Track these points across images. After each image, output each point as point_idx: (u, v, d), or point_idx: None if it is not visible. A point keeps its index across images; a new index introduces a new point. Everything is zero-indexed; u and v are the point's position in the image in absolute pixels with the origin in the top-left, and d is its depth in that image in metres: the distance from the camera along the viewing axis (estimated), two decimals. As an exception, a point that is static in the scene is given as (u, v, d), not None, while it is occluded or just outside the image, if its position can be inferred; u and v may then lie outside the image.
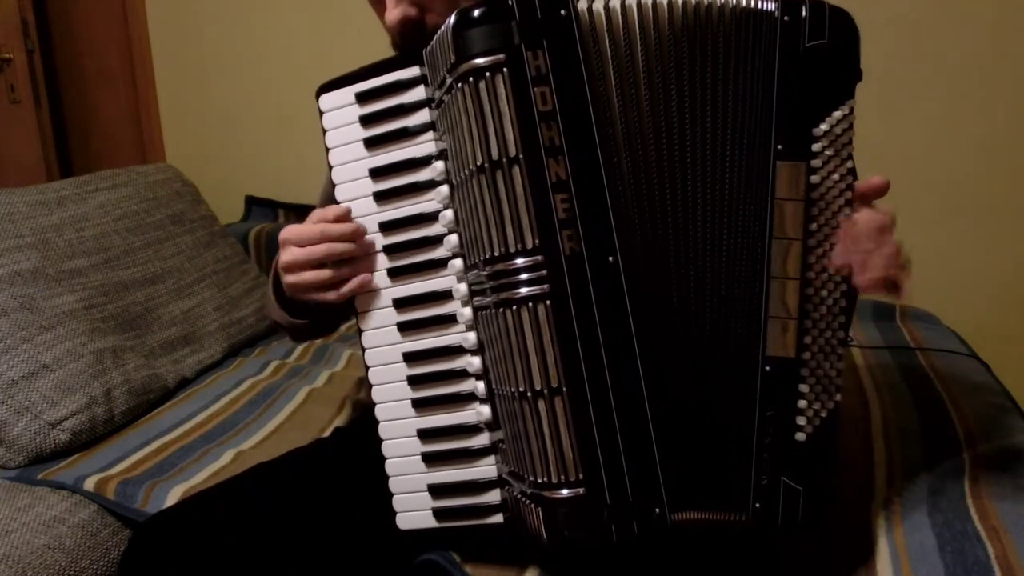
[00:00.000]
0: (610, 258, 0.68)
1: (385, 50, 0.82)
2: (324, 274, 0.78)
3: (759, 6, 0.69)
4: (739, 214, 0.70)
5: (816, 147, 0.68)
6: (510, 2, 0.66)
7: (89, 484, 1.07)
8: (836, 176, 0.69)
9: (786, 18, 0.68)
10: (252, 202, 2.12)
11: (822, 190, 0.69)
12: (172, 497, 1.03)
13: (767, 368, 0.70)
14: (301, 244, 0.79)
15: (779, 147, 0.69)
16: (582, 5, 0.68)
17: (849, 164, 0.69)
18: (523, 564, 0.80)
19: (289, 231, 0.80)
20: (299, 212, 2.05)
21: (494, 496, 0.76)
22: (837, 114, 0.68)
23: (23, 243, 1.30)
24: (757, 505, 0.71)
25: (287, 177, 2.10)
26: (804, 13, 0.68)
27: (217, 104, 2.18)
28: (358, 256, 0.78)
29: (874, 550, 0.78)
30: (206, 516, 0.80)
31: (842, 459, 0.99)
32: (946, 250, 1.70)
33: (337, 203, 0.79)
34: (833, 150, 0.68)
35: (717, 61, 0.69)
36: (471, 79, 0.67)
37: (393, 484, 0.79)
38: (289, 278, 0.81)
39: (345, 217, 0.78)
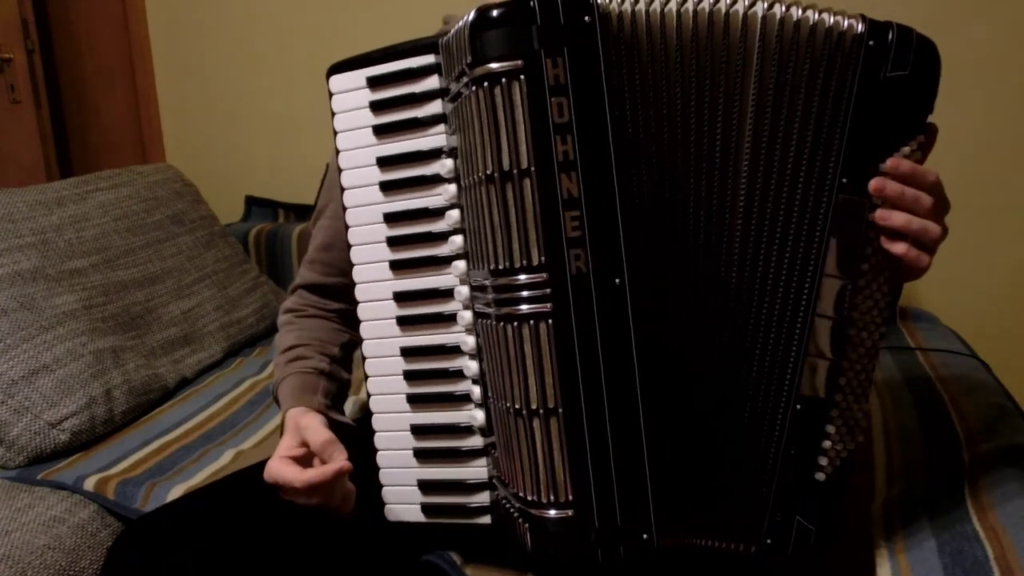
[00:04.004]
0: (616, 280, 0.65)
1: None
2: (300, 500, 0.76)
3: (843, 25, 0.63)
4: (784, 247, 0.66)
5: None
6: (532, 4, 0.62)
7: (89, 484, 1.07)
8: None
9: (871, 42, 0.63)
10: (252, 202, 2.12)
11: (880, 229, 0.64)
12: (172, 497, 1.02)
13: (798, 407, 0.67)
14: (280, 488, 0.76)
15: (844, 180, 0.64)
16: (608, 10, 0.63)
17: None
18: (523, 566, 0.80)
19: (273, 475, 0.75)
20: (299, 212, 2.04)
21: (483, 498, 0.76)
22: (905, 149, 0.64)
23: (23, 243, 1.30)
24: (769, 541, 0.70)
25: (287, 177, 2.10)
26: (891, 37, 0.63)
27: (217, 103, 2.17)
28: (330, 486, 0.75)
29: (873, 550, 0.78)
30: (195, 520, 0.79)
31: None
32: (946, 250, 1.69)
33: (342, 189, 0.77)
34: None
35: (786, 83, 0.63)
36: (486, 84, 0.64)
37: (383, 476, 0.78)
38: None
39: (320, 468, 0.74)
